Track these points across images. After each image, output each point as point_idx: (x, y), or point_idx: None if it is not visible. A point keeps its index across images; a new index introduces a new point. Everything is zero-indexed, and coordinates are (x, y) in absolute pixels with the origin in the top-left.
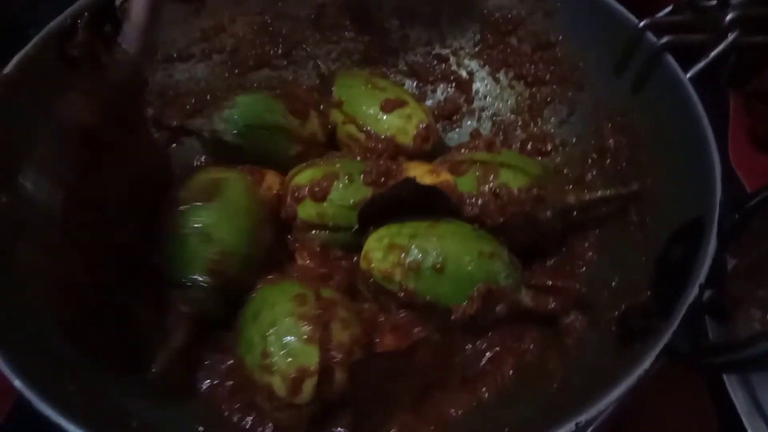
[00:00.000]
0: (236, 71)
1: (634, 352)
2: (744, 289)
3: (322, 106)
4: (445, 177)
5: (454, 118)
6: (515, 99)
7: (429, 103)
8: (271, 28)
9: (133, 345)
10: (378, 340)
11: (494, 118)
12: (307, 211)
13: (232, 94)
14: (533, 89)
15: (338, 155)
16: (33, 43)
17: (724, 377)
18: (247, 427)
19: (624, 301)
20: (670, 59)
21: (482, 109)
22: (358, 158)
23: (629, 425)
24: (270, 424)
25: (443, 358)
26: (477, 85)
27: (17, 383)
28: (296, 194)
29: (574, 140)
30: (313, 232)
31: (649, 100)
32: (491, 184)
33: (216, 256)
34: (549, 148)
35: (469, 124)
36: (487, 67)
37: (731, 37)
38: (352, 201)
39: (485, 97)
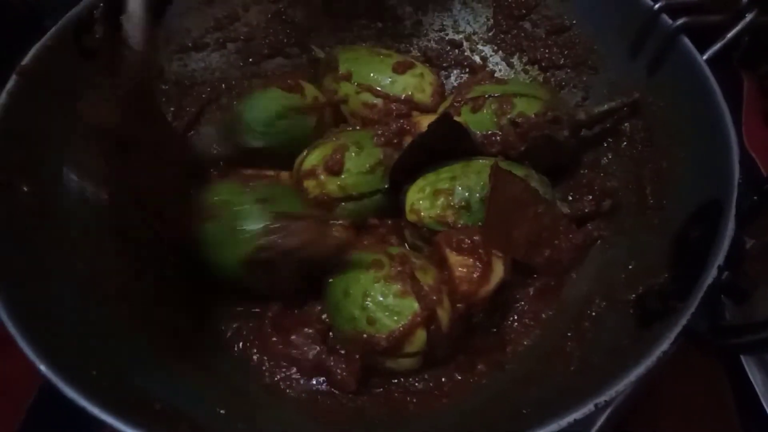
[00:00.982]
0: (250, 60)
1: (652, 334)
2: (761, 269)
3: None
4: (458, 120)
5: None
6: None
7: None
8: (284, 17)
9: None
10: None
11: None
12: (327, 187)
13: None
14: (547, 74)
15: (337, 131)
16: (50, 34)
17: (742, 359)
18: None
19: (641, 284)
20: (686, 41)
21: None
22: (357, 128)
23: (647, 406)
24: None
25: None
26: (491, 70)
27: (42, 368)
28: (312, 175)
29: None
30: (342, 204)
31: (665, 82)
32: (509, 115)
33: None
34: None
35: None
36: (500, 51)
37: (749, 17)
38: (368, 165)
39: None
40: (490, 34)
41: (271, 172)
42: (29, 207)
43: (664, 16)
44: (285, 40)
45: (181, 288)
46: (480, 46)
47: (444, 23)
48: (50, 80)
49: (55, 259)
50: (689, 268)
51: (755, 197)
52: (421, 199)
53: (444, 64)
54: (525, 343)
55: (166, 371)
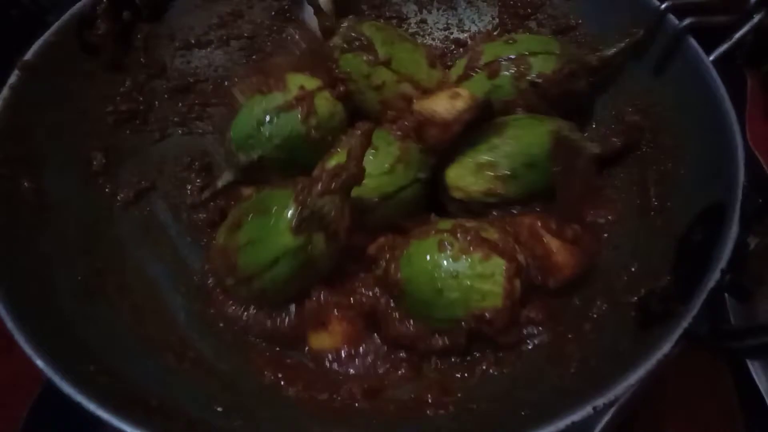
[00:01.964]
0: (254, 57)
1: (653, 336)
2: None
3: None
4: (466, 93)
5: None
6: None
7: None
8: (288, 14)
9: None
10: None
11: None
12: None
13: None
14: None
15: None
16: (52, 29)
17: (747, 360)
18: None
19: (643, 286)
20: (693, 41)
21: None
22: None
23: (651, 407)
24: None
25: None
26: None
27: (40, 363)
28: None
29: (593, 125)
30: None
31: (670, 83)
32: (528, 77)
33: None
34: None
35: None
36: None
37: (757, 18)
38: (387, 165)
39: None
40: (495, 33)
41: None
42: (30, 202)
43: (671, 17)
44: (288, 38)
45: None
46: None
47: (449, 22)
48: (52, 75)
49: (55, 255)
50: (691, 271)
51: (761, 200)
52: (465, 175)
53: (449, 63)
54: (525, 343)
55: (163, 368)
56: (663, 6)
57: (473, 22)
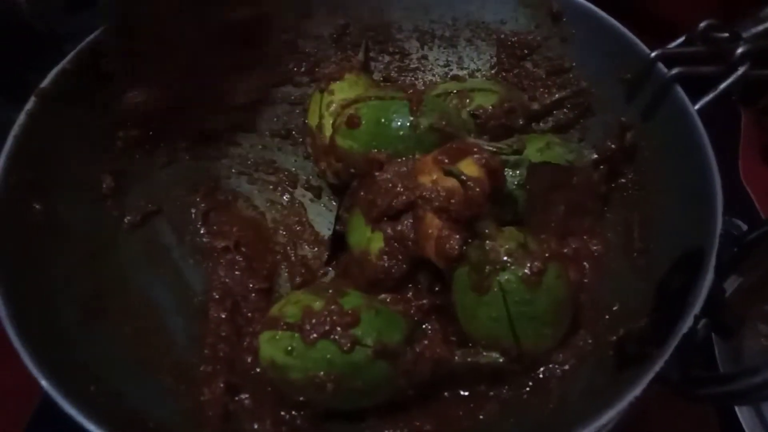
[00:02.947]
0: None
1: (628, 378)
2: (750, 305)
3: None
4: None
5: None
6: None
7: None
8: (294, 46)
9: None
10: None
11: None
12: None
13: None
14: None
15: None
16: (69, 58)
17: None
18: None
19: (623, 326)
20: (680, 90)
21: None
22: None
23: None
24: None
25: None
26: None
27: (44, 383)
28: None
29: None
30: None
31: (657, 128)
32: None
33: None
34: None
35: None
36: None
37: (741, 70)
38: None
39: None
40: (492, 71)
41: None
42: (39, 224)
43: (660, 65)
44: (295, 69)
45: None
46: None
47: (449, 59)
48: (67, 102)
49: (60, 277)
50: (667, 315)
51: (735, 249)
52: None
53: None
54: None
55: (160, 390)
56: (653, 55)
57: (472, 60)
